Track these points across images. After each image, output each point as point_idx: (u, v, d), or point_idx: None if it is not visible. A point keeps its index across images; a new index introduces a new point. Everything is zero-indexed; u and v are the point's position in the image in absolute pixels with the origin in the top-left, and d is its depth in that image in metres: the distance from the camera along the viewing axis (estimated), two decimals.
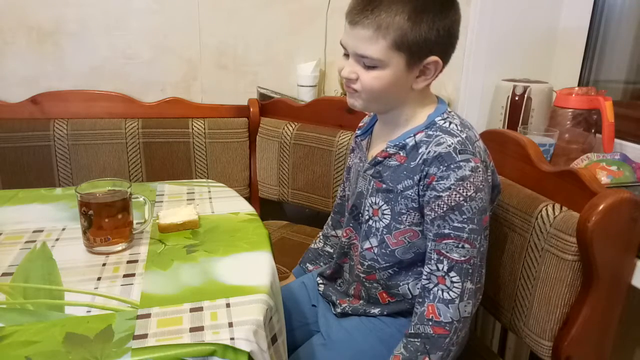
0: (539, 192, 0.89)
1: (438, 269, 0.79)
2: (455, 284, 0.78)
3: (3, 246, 0.85)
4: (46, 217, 0.97)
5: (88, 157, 1.55)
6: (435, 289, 0.79)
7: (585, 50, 1.42)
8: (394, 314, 0.90)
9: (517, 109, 1.29)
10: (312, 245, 1.16)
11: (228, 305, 0.69)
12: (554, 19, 1.43)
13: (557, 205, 0.84)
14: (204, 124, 1.62)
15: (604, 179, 1.06)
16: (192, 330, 0.63)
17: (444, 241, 0.78)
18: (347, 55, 0.80)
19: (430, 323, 0.79)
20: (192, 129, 1.61)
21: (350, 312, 0.94)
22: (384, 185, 0.84)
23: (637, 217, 0.77)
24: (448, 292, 0.78)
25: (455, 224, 0.77)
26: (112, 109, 1.58)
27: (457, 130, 0.79)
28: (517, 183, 0.95)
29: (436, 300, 0.79)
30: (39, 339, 0.61)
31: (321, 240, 1.14)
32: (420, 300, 0.81)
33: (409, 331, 0.81)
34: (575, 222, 0.78)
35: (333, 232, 1.12)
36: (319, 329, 0.98)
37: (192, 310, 0.68)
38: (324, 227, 1.15)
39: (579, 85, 1.43)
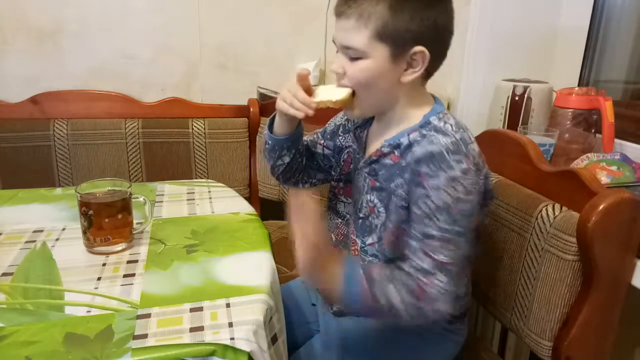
0: (539, 192, 0.89)
1: (419, 268, 0.75)
2: (433, 284, 0.74)
3: (3, 246, 0.85)
4: (46, 217, 0.97)
5: (88, 157, 1.55)
6: (411, 282, 0.75)
7: (585, 50, 1.42)
8: None
9: (517, 109, 1.29)
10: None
11: (228, 305, 0.69)
12: (554, 19, 1.43)
13: (557, 205, 0.84)
14: (204, 124, 1.62)
15: (604, 179, 1.06)
16: (192, 330, 0.63)
17: (429, 241, 0.75)
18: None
19: (380, 291, 0.74)
20: (192, 129, 1.61)
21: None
22: (377, 184, 0.83)
23: (637, 217, 0.77)
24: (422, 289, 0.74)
25: (442, 225, 0.74)
26: (112, 109, 1.58)
27: (452, 130, 0.77)
28: (517, 183, 0.95)
29: (402, 288, 0.74)
30: (39, 339, 0.61)
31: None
32: (389, 273, 0.76)
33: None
34: (575, 222, 0.78)
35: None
36: (319, 328, 0.98)
37: (192, 310, 0.68)
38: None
39: (579, 85, 1.43)
